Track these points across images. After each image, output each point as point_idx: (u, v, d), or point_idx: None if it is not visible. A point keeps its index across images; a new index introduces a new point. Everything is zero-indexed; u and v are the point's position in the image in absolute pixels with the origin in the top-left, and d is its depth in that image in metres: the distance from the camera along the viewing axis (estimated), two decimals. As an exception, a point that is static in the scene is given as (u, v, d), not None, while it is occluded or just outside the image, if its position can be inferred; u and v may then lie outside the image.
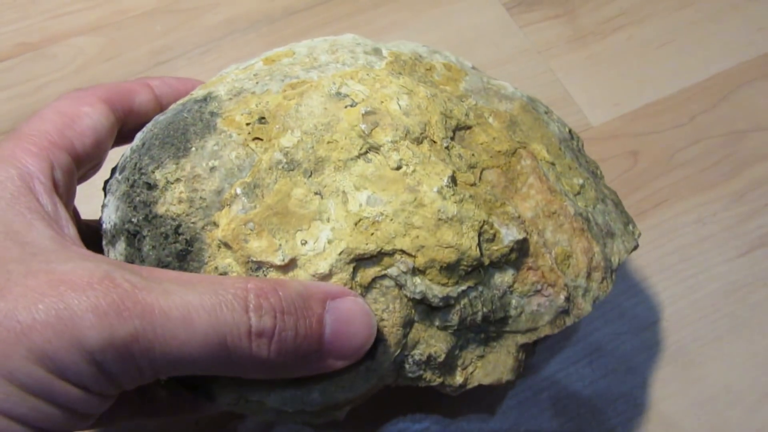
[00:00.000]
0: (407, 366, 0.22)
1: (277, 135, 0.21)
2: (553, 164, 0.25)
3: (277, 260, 0.20)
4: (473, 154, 0.23)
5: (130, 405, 0.25)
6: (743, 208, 0.37)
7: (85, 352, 0.16)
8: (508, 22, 0.44)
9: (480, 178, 0.23)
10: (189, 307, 0.17)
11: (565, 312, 0.24)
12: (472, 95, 0.26)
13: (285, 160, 0.21)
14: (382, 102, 0.23)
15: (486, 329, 0.23)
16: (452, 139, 0.23)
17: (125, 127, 0.24)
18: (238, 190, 0.21)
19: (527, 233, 0.23)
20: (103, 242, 0.23)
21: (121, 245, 0.22)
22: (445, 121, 0.23)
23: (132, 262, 0.21)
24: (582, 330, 0.33)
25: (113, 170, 0.24)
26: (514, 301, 0.23)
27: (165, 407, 0.25)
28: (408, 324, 0.22)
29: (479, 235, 0.22)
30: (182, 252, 0.21)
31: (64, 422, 0.17)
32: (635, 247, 0.27)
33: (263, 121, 0.22)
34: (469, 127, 0.24)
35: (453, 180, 0.22)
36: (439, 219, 0.21)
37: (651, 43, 0.43)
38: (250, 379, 0.21)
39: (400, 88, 0.23)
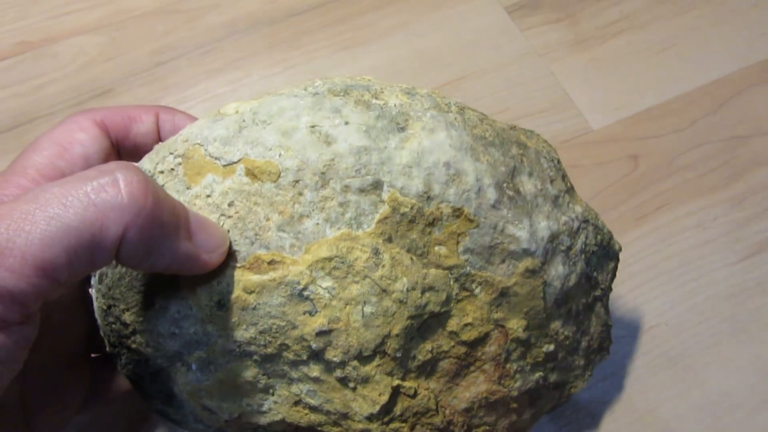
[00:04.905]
0: None
1: (233, 327, 0.22)
2: (526, 340, 0.24)
3: (224, 416, 0.23)
4: (432, 348, 0.23)
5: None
6: (743, 212, 0.37)
7: None
8: (510, 25, 0.44)
9: (431, 371, 0.23)
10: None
11: None
12: (470, 258, 0.23)
13: (238, 351, 0.22)
14: (346, 306, 0.22)
15: None
16: (412, 339, 0.23)
17: (122, 150, 0.25)
18: (194, 366, 0.23)
19: None
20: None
21: (107, 346, 0.24)
22: (411, 326, 0.22)
23: (115, 365, 0.24)
24: (581, 334, 0.33)
25: None
26: None
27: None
28: None
29: None
30: (154, 376, 0.24)
31: None
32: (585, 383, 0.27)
33: (222, 306, 0.22)
34: (444, 313, 0.23)
35: (393, 396, 0.23)
36: None
37: (652, 47, 0.43)
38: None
39: (371, 288, 0.22)
